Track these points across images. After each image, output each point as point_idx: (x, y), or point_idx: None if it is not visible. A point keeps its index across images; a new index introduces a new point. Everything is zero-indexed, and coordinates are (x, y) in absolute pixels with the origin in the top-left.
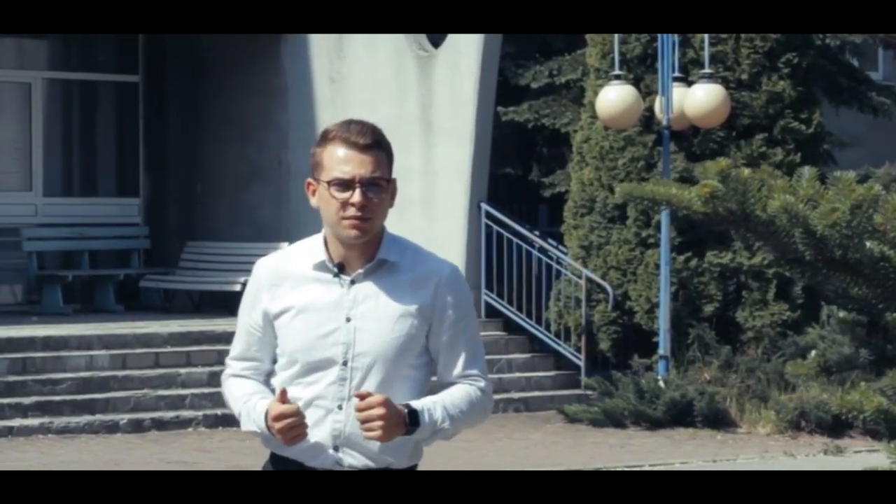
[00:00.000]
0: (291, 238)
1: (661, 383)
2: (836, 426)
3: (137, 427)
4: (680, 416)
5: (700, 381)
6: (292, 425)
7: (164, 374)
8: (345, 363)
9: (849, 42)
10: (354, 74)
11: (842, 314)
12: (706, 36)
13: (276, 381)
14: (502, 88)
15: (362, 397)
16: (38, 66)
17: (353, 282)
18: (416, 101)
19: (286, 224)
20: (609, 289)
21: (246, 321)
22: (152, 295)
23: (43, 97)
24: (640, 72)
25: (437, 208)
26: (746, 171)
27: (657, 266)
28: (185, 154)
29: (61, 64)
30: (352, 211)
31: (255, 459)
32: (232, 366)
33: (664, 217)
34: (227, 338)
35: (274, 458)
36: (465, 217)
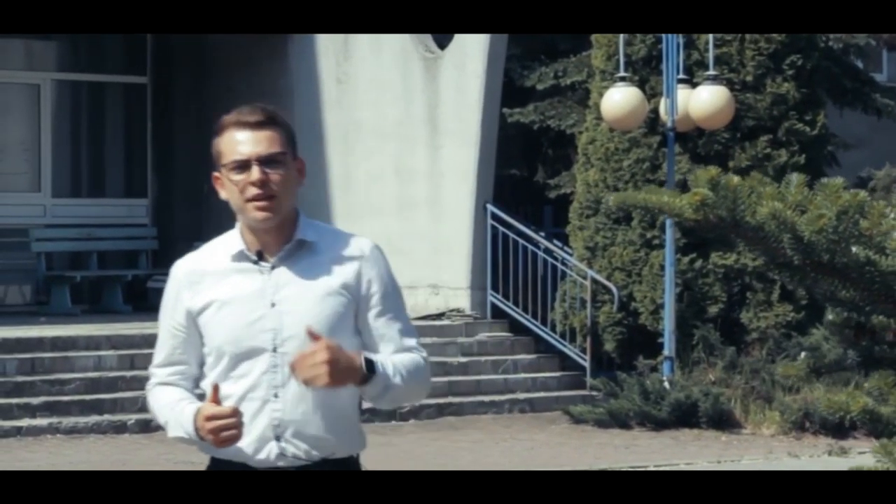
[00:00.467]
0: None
1: (666, 384)
2: (840, 427)
3: (145, 427)
4: (685, 416)
5: (705, 382)
6: (225, 427)
7: None
8: (274, 350)
9: (853, 44)
10: (361, 76)
11: (831, 316)
12: (711, 38)
13: (206, 383)
14: (508, 90)
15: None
16: (46, 67)
17: (273, 267)
18: (421, 103)
19: None
20: (614, 290)
21: (168, 324)
22: (160, 295)
23: (51, 98)
24: (645, 73)
25: (442, 209)
26: (736, 179)
27: (662, 267)
28: (193, 155)
29: (70, 65)
30: (253, 190)
31: None
32: (157, 374)
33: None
34: None
35: (214, 462)
36: (470, 218)
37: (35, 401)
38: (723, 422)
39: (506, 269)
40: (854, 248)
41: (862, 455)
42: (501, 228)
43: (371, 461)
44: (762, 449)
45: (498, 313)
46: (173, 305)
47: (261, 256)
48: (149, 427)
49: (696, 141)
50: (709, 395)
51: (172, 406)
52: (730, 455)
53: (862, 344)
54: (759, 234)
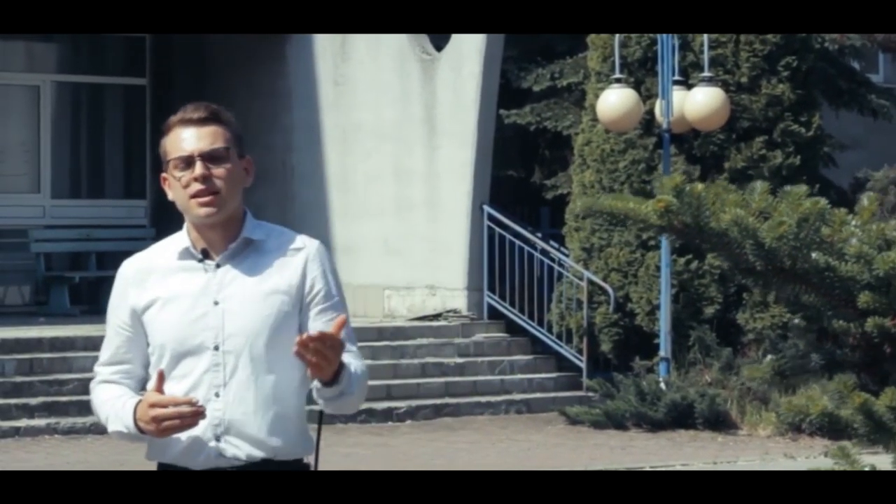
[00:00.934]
0: None
1: (662, 385)
2: (836, 428)
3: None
4: (681, 417)
5: (701, 383)
6: (168, 416)
7: None
8: (216, 348)
9: (848, 45)
10: (358, 77)
11: (796, 320)
12: (706, 39)
13: (151, 381)
14: (504, 91)
15: (325, 336)
16: (46, 69)
17: (218, 265)
18: (419, 104)
19: (291, 224)
20: (610, 291)
21: (114, 322)
22: None
23: (51, 100)
24: (641, 75)
25: (439, 210)
26: (700, 186)
27: (658, 268)
28: None
29: (69, 67)
30: (195, 186)
31: None
32: (100, 372)
33: None
34: None
35: (161, 468)
36: (467, 219)
37: (33, 401)
38: (719, 423)
39: (502, 270)
40: (814, 255)
41: (858, 457)
42: (498, 229)
43: (368, 462)
44: (758, 450)
45: (494, 314)
46: (119, 303)
47: (206, 254)
48: None
49: (691, 142)
50: (705, 396)
51: (113, 402)
52: (726, 456)
53: (825, 347)
54: (723, 240)
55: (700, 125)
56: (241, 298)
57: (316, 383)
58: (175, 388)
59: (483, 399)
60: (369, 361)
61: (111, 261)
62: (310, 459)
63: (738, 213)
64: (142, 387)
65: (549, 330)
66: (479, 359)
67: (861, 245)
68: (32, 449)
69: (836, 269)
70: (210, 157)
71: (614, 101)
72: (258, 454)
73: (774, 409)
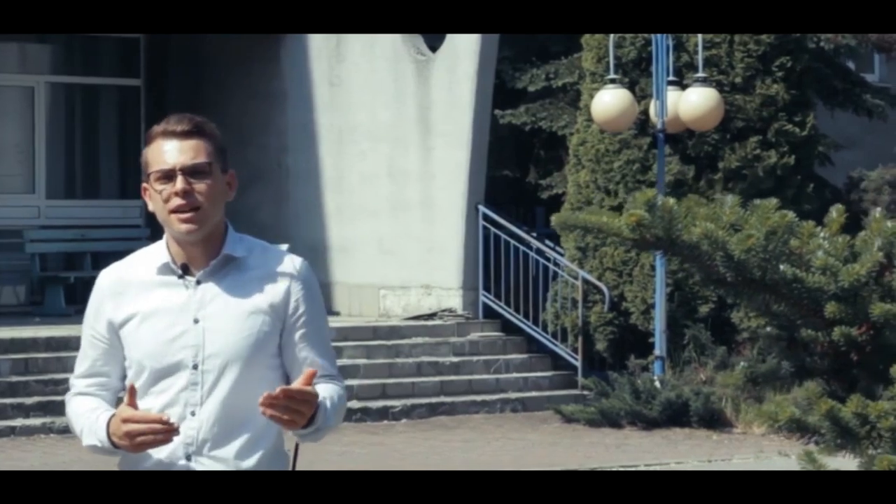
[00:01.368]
0: (291, 239)
1: (657, 384)
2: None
3: None
4: (676, 416)
5: (695, 381)
6: (140, 432)
7: None
8: (195, 367)
9: (843, 45)
10: (353, 78)
11: (767, 329)
12: (700, 40)
13: (124, 399)
14: (499, 91)
15: (295, 391)
16: (41, 70)
17: (198, 282)
18: (413, 105)
19: (286, 225)
20: (605, 290)
21: (90, 334)
22: None
23: (46, 101)
24: (635, 75)
25: (434, 210)
26: (671, 201)
27: (653, 267)
28: None
29: (64, 68)
30: (176, 200)
31: None
32: (76, 384)
33: None
34: None
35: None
36: (462, 219)
37: (29, 401)
38: (714, 421)
39: (497, 269)
40: (783, 266)
41: (835, 462)
42: (493, 229)
43: (363, 461)
44: (753, 448)
45: (490, 313)
46: (95, 315)
47: (186, 270)
48: None
49: (685, 142)
50: (700, 394)
51: (87, 415)
52: (720, 454)
53: (794, 355)
54: (694, 252)
55: (694, 125)
56: (222, 317)
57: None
58: (151, 405)
59: (478, 398)
60: (364, 361)
61: (106, 261)
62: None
63: (708, 226)
64: (118, 399)
65: (545, 329)
66: (475, 358)
67: (827, 257)
68: (28, 448)
69: (803, 281)
70: (192, 172)
71: (609, 101)
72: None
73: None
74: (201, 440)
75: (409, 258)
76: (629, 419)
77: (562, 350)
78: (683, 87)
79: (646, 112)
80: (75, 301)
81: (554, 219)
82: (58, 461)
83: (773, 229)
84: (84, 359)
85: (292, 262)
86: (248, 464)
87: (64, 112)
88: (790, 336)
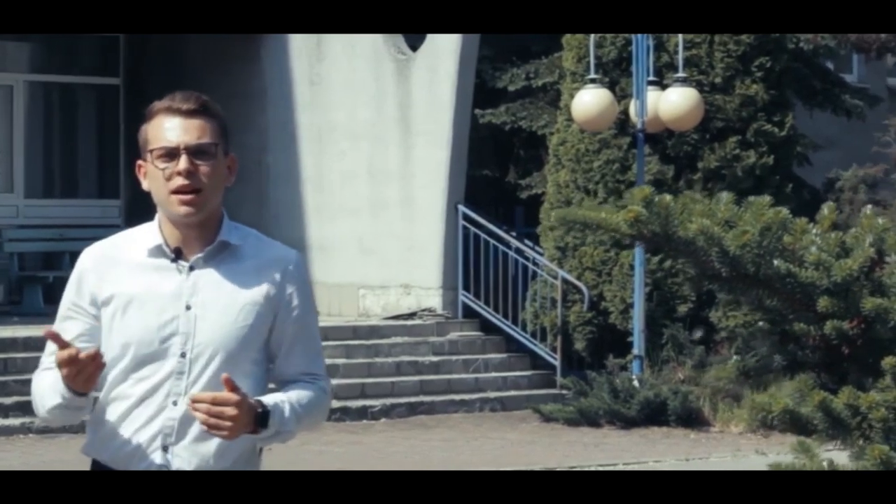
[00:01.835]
0: (271, 237)
1: (636, 383)
2: (799, 426)
3: None
4: (654, 415)
5: (674, 380)
6: (78, 369)
7: None
8: (183, 355)
9: (822, 45)
10: (333, 77)
11: (760, 323)
12: (680, 40)
13: (104, 379)
14: (479, 91)
15: (213, 398)
16: (19, 68)
17: (192, 267)
18: (394, 104)
19: (265, 224)
20: (584, 290)
21: (70, 309)
22: None
23: (24, 99)
24: (616, 75)
25: (414, 209)
26: (668, 198)
27: (632, 267)
28: None
29: (43, 66)
30: (178, 180)
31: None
32: (44, 362)
33: None
34: None
35: (95, 464)
36: (442, 218)
37: (7, 401)
38: (692, 420)
39: (477, 268)
40: (776, 262)
41: (828, 453)
42: (473, 228)
43: (342, 460)
44: (730, 447)
45: (469, 313)
46: (76, 291)
47: (179, 254)
48: None
49: (665, 142)
50: (678, 393)
51: (52, 383)
52: (698, 453)
53: (787, 349)
54: (690, 248)
55: (674, 125)
56: (214, 306)
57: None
58: (132, 390)
59: (458, 397)
60: (343, 360)
61: None
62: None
63: (704, 222)
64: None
65: (524, 328)
66: (454, 357)
67: (820, 253)
68: (7, 448)
69: (796, 276)
70: (196, 152)
71: (589, 101)
72: (207, 469)
73: (746, 406)
74: (180, 432)
75: (389, 257)
76: (607, 418)
77: (541, 349)
78: (663, 87)
79: (626, 112)
80: (54, 301)
81: (554, 214)
82: (38, 461)
83: (768, 225)
84: (61, 333)
85: (287, 254)
86: (224, 462)
87: (43, 111)
88: (782, 330)
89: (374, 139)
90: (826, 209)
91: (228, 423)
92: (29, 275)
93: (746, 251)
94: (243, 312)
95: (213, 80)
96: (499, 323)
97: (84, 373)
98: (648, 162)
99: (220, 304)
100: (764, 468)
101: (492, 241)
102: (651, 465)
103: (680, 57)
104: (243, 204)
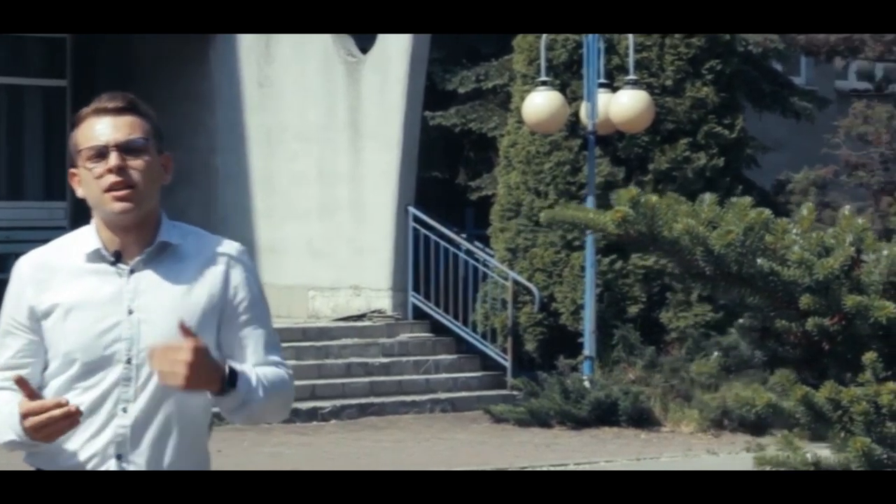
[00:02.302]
0: None
1: (587, 383)
2: (757, 425)
3: None
4: (605, 415)
5: (624, 381)
6: (45, 422)
7: None
8: (129, 361)
9: (772, 48)
10: (283, 79)
11: (741, 320)
12: (631, 42)
13: (49, 390)
14: (430, 93)
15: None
16: None
17: (132, 271)
18: (344, 106)
19: (214, 225)
20: (535, 291)
21: (9, 324)
22: None
23: None
24: (566, 77)
25: (364, 212)
26: (654, 198)
27: (582, 268)
28: None
29: None
30: (110, 178)
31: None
32: None
33: None
34: None
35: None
36: (392, 220)
37: None
38: (642, 420)
39: (427, 270)
40: (759, 260)
41: (800, 444)
42: (423, 230)
43: (292, 461)
44: (681, 446)
45: (419, 314)
46: (16, 304)
47: (118, 257)
48: None
49: (616, 144)
50: (628, 393)
51: (2, 408)
52: (649, 452)
53: (768, 345)
54: (675, 247)
55: (625, 127)
56: (157, 308)
57: (209, 395)
58: (79, 400)
59: (408, 398)
60: (293, 362)
61: None
62: None
63: (689, 222)
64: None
65: (474, 329)
66: (404, 358)
67: (802, 252)
68: None
69: (779, 274)
70: (127, 149)
71: (540, 103)
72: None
73: (697, 406)
74: (132, 439)
75: (339, 259)
76: (558, 419)
77: (491, 350)
78: (614, 89)
79: (576, 114)
80: None
81: (543, 214)
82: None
83: (751, 225)
84: (2, 350)
85: (229, 248)
86: (177, 465)
87: None
88: (763, 327)
89: (325, 141)
90: (805, 210)
91: (183, 368)
92: None
93: (730, 250)
94: (187, 313)
95: (161, 81)
96: (449, 324)
97: (52, 427)
98: (599, 164)
99: (163, 306)
100: (715, 468)
101: (442, 243)
102: (602, 466)
103: (630, 59)
104: (192, 205)
